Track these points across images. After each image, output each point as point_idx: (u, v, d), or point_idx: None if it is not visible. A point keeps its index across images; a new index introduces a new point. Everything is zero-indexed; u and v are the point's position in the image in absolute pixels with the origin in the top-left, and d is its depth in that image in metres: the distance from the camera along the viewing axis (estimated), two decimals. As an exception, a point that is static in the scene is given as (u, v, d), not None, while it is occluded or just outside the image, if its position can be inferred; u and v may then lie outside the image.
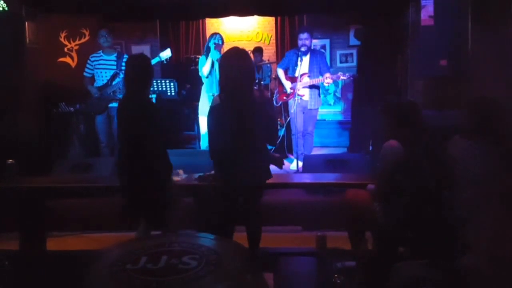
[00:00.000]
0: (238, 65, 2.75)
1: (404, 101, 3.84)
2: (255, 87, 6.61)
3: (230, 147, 2.72)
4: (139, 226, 3.15)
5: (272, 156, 3.03)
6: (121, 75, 5.04)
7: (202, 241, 2.21)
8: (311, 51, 5.33)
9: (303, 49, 5.18)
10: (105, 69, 5.09)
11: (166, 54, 4.96)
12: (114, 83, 5.04)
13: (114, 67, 5.08)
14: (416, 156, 2.52)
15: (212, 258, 2.01)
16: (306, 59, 5.28)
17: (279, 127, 7.21)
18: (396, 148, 2.58)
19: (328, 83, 5.27)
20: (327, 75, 5.16)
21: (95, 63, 5.12)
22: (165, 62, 4.98)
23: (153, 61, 5.03)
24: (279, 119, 7.41)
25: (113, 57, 5.12)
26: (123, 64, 5.04)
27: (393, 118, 2.72)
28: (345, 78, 5.34)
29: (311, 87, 5.29)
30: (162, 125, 3.08)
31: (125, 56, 5.17)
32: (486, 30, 4.15)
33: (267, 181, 2.98)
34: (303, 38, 5.20)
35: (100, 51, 5.14)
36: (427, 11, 4.09)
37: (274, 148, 6.12)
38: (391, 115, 2.71)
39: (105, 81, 5.07)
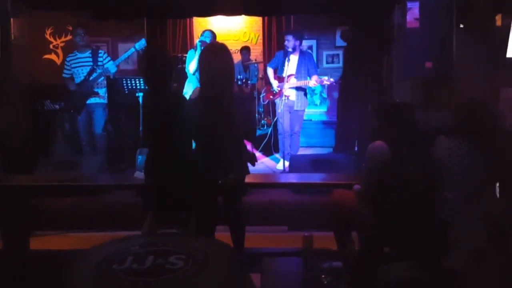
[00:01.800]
0: (217, 60, 2.73)
1: (393, 102, 3.88)
2: (238, 84, 6.63)
3: (208, 141, 2.70)
4: (145, 221, 3.06)
5: (246, 153, 3.01)
6: (98, 70, 5.02)
7: (189, 241, 2.20)
8: (300, 52, 5.36)
9: (289, 49, 5.21)
10: (81, 66, 5.06)
11: (141, 44, 4.97)
12: (91, 78, 5.01)
13: (90, 63, 5.06)
14: (402, 156, 2.53)
15: (199, 258, 2.00)
16: (294, 60, 5.30)
17: (264, 127, 7.26)
18: (382, 148, 2.60)
19: (313, 85, 5.32)
20: (314, 77, 5.19)
21: (71, 62, 5.10)
22: (140, 52, 4.97)
23: (128, 53, 5.05)
24: (265, 119, 7.44)
25: (88, 53, 5.08)
26: (99, 59, 5.05)
27: (381, 118, 2.74)
28: (328, 83, 5.39)
29: (298, 88, 5.32)
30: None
31: (100, 51, 5.16)
32: (470, 32, 4.22)
33: (254, 181, 2.97)
34: (288, 39, 5.26)
35: (75, 51, 5.13)
36: (412, 14, 4.12)
37: (262, 145, 6.18)
38: (380, 115, 2.73)
39: (82, 78, 5.05)
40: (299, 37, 5.41)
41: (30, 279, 2.96)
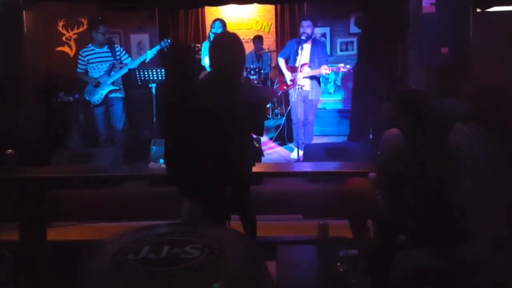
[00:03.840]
0: (227, 50, 2.69)
1: (408, 89, 3.82)
2: (248, 75, 6.59)
3: (212, 129, 2.67)
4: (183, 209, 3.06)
5: (253, 148, 2.99)
6: (118, 65, 5.00)
7: (204, 230, 2.20)
8: (312, 40, 5.28)
9: (303, 37, 5.13)
10: (100, 62, 5.01)
11: (167, 42, 4.95)
12: (112, 73, 4.99)
13: (111, 58, 5.01)
14: (417, 144, 2.50)
15: (215, 247, 2.00)
16: (307, 48, 5.23)
17: (278, 116, 7.23)
18: (397, 136, 2.56)
19: (326, 73, 5.25)
20: (324, 66, 5.14)
21: (88, 57, 5.02)
22: (165, 49, 4.95)
23: (154, 50, 5.02)
24: (279, 108, 7.41)
25: (106, 48, 5.03)
26: (117, 54, 5.01)
27: (398, 105, 2.70)
28: (345, 70, 5.33)
29: (312, 77, 5.26)
30: None
31: (117, 45, 5.12)
32: (487, 18, 4.13)
33: (268, 170, 2.95)
34: (305, 26, 5.16)
35: (90, 45, 5.04)
36: (428, -1, 4.05)
37: (276, 135, 6.16)
38: (396, 102, 2.69)
39: (102, 73, 5.00)
40: (315, 24, 5.35)
41: (47, 270, 3.01)
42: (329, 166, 3.58)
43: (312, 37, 5.30)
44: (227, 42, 2.77)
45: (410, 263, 2.15)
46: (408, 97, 2.71)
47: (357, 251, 2.60)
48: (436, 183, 2.42)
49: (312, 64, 5.21)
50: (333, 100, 7.32)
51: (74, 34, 6.36)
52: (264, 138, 6.04)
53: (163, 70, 4.82)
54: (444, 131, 2.62)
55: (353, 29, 7.15)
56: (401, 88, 4.56)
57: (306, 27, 5.15)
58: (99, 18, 5.19)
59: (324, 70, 5.12)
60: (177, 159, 2.78)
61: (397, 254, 2.21)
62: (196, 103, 2.65)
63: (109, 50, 5.02)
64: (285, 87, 5.52)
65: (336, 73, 7.14)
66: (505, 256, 2.10)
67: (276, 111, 7.46)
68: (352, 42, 7.25)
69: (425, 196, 2.43)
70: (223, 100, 2.63)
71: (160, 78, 4.80)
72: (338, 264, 2.41)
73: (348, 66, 5.33)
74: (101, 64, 5.01)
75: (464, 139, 2.50)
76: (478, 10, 4.37)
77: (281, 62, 5.46)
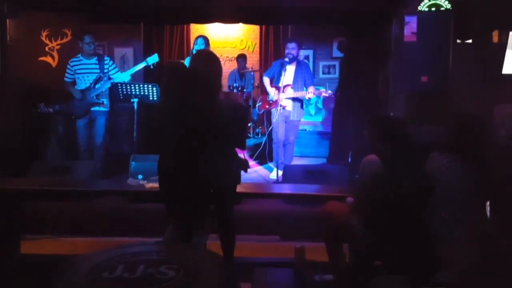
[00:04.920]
0: (204, 69, 2.74)
1: (386, 116, 3.89)
2: (233, 91, 6.63)
3: (193, 149, 2.69)
4: (167, 229, 3.04)
5: (238, 160, 3.00)
6: (105, 78, 4.98)
7: (180, 250, 2.19)
8: (297, 62, 5.34)
9: (287, 59, 5.20)
10: (87, 73, 4.98)
11: (153, 59, 4.94)
12: (97, 86, 4.96)
13: (97, 70, 4.98)
14: (395, 171, 2.54)
15: (190, 268, 1.99)
16: (291, 69, 5.29)
17: (259, 135, 7.27)
18: (375, 163, 2.60)
19: (309, 97, 5.32)
20: (311, 89, 5.20)
21: (75, 67, 4.99)
22: (151, 67, 4.95)
23: (139, 66, 5.02)
24: (260, 127, 7.45)
25: (94, 60, 5.00)
26: (105, 67, 4.99)
27: (374, 132, 2.75)
28: (326, 95, 5.38)
29: (295, 99, 5.32)
30: None
31: (106, 58, 5.09)
32: (467, 47, 4.25)
33: (247, 191, 2.96)
34: (290, 47, 5.22)
35: (79, 55, 5.02)
36: (410, 28, 4.16)
37: (257, 154, 6.18)
38: (374, 129, 2.74)
39: (87, 85, 4.97)
40: (301, 46, 5.42)
41: (20, 284, 2.94)
42: (308, 189, 3.61)
43: (297, 59, 5.37)
44: (202, 59, 2.82)
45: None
46: (385, 124, 2.76)
47: (332, 276, 2.61)
48: (412, 210, 2.46)
49: (295, 85, 5.26)
50: (313, 122, 7.39)
51: (57, 44, 6.32)
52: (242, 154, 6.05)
53: (145, 86, 4.80)
54: (421, 159, 2.67)
55: (336, 53, 7.28)
56: (379, 115, 4.64)
57: (291, 49, 5.21)
58: (84, 28, 5.18)
59: (308, 94, 5.19)
60: (167, 178, 2.78)
61: (372, 281, 2.23)
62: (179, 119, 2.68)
63: (97, 62, 4.99)
64: (267, 106, 5.56)
65: (318, 96, 7.22)
66: (477, 284, 2.14)
67: (257, 130, 7.50)
68: (334, 66, 7.37)
69: (401, 223, 2.46)
70: (201, 117, 2.65)
71: (142, 93, 4.78)
72: (313, 288, 2.41)
73: (329, 91, 5.41)
74: (87, 76, 4.97)
75: (440, 168, 2.56)
76: (458, 41, 4.51)
77: (266, 81, 5.51)
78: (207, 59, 2.81)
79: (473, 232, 2.29)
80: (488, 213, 2.47)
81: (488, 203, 2.50)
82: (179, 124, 2.68)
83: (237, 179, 2.93)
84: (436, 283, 2.18)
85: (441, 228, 2.37)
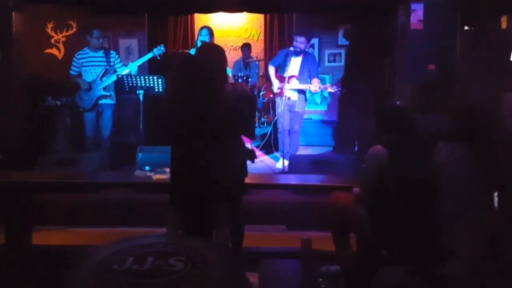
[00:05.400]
0: (209, 61, 2.73)
1: (393, 106, 3.87)
2: (238, 81, 6.62)
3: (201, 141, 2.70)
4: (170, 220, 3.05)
5: (245, 150, 3.01)
6: (111, 71, 5.01)
7: (188, 242, 2.21)
8: (304, 53, 5.32)
9: (295, 49, 5.18)
10: (93, 66, 5.02)
11: (160, 50, 4.96)
12: (104, 79, 4.99)
13: (104, 63, 5.02)
14: (400, 162, 2.54)
15: (198, 260, 2.01)
16: (298, 61, 5.28)
17: (265, 125, 7.27)
18: (381, 153, 2.61)
19: (315, 91, 5.31)
20: (315, 81, 5.19)
21: (82, 60, 5.03)
22: (158, 58, 4.96)
23: (146, 57, 5.04)
24: (265, 117, 7.45)
25: (101, 53, 5.05)
26: (111, 60, 5.02)
27: (380, 123, 2.75)
28: (332, 90, 5.36)
29: (299, 90, 5.32)
30: None
31: (112, 52, 5.13)
32: (474, 35, 4.21)
33: (253, 182, 2.97)
34: (299, 41, 5.19)
35: (86, 48, 5.06)
36: (416, 15, 4.13)
37: (263, 143, 6.19)
38: (379, 120, 2.74)
39: (94, 77, 5.01)
40: (309, 40, 5.40)
41: (32, 274, 2.99)
42: (314, 179, 3.62)
43: (304, 50, 5.35)
44: (208, 51, 2.83)
45: (390, 281, 2.18)
46: (391, 115, 2.75)
47: (339, 267, 2.63)
48: (418, 201, 2.46)
49: (301, 77, 5.26)
50: (319, 110, 7.38)
51: (62, 36, 6.33)
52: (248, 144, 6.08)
53: (150, 77, 4.82)
54: (428, 149, 2.67)
55: (342, 40, 7.22)
56: (385, 105, 4.62)
57: (300, 43, 5.19)
58: (93, 23, 5.20)
59: (314, 87, 5.18)
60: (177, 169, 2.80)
61: (377, 272, 2.24)
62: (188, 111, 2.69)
63: (104, 55, 5.04)
64: (271, 95, 5.56)
65: (323, 83, 7.18)
66: (483, 276, 2.15)
67: (262, 119, 7.50)
68: (340, 54, 7.31)
69: (407, 213, 2.47)
70: (210, 108, 2.66)
71: (147, 85, 4.80)
72: (321, 280, 2.43)
73: (335, 87, 5.38)
74: (94, 69, 5.02)
75: (446, 158, 2.55)
76: (466, 28, 4.46)
77: (271, 70, 5.50)
78: (213, 51, 2.82)
79: (480, 223, 2.29)
80: (496, 204, 2.47)
81: (496, 194, 2.50)
82: (187, 115, 2.69)
83: (245, 171, 2.95)
84: (443, 273, 2.19)
85: (447, 219, 2.38)
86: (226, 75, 2.94)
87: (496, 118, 2.88)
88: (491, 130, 2.58)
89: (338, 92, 5.54)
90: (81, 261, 2.04)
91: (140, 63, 5.10)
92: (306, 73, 5.27)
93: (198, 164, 2.69)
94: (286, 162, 5.03)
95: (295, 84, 5.25)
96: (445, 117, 2.93)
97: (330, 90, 5.32)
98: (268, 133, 6.16)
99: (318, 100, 7.39)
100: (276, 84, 5.39)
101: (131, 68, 5.00)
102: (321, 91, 7.21)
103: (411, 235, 2.43)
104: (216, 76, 2.73)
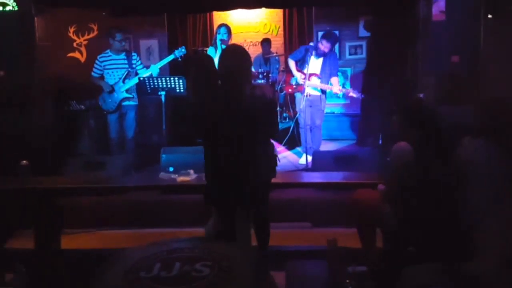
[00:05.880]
0: (235, 63, 2.75)
1: (416, 101, 3.81)
2: (259, 82, 6.60)
3: (230, 141, 2.73)
4: (209, 220, 3.10)
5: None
6: (132, 74, 5.06)
7: (213, 246, 2.23)
8: (325, 54, 5.26)
9: (317, 50, 5.16)
10: (115, 68, 5.08)
11: (181, 51, 5.01)
12: (127, 81, 5.05)
13: (126, 65, 5.08)
14: (426, 158, 2.51)
15: (224, 264, 2.03)
16: (319, 61, 5.25)
17: (286, 120, 7.25)
18: (406, 150, 2.58)
19: (336, 92, 5.27)
20: (334, 80, 5.19)
21: (104, 63, 5.08)
22: (179, 59, 4.98)
23: (168, 59, 5.08)
24: (287, 112, 7.42)
25: (123, 55, 5.10)
26: (133, 62, 5.07)
27: (404, 118, 2.71)
28: (354, 95, 5.28)
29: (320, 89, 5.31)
30: None
31: (134, 54, 5.18)
32: (498, 26, 4.09)
33: (277, 180, 2.98)
34: (324, 45, 5.15)
35: (108, 50, 5.11)
36: (438, 6, 4.05)
37: (286, 139, 6.19)
38: (403, 116, 2.70)
39: (116, 80, 5.07)
40: (335, 44, 5.34)
41: (62, 279, 3.06)
42: (338, 176, 3.60)
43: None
44: (232, 54, 2.84)
45: (417, 280, 2.16)
46: (415, 111, 2.72)
47: (365, 267, 2.62)
48: (444, 198, 2.43)
49: (322, 75, 5.23)
50: (341, 104, 7.31)
51: (84, 40, 6.42)
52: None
53: (172, 78, 4.86)
54: (453, 144, 2.62)
55: (362, 32, 7.12)
56: (408, 99, 4.54)
57: (325, 47, 5.14)
58: (114, 25, 5.25)
59: (335, 89, 5.17)
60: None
61: (403, 271, 2.23)
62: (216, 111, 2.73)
63: (125, 58, 5.09)
64: (290, 90, 5.54)
65: (345, 77, 7.12)
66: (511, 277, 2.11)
67: (284, 114, 7.47)
68: (361, 46, 7.21)
69: (433, 210, 2.44)
70: (234, 110, 2.69)
71: (169, 86, 4.84)
72: (348, 281, 2.43)
73: (356, 91, 5.30)
74: (117, 71, 5.07)
75: (474, 153, 2.50)
76: (489, 16, 4.33)
77: (292, 64, 5.45)
78: (237, 54, 2.82)
79: (508, 219, 2.24)
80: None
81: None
82: (217, 119, 2.72)
83: (274, 172, 2.96)
84: (469, 271, 2.16)
85: (474, 215, 2.33)
86: (250, 78, 2.94)
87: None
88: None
89: (361, 97, 5.45)
90: (109, 267, 2.08)
91: (162, 65, 5.13)
92: (327, 72, 5.25)
93: (228, 167, 2.72)
94: (310, 158, 5.01)
95: (315, 82, 5.22)
96: (470, 108, 2.87)
97: (352, 94, 5.24)
98: (291, 129, 6.14)
99: (340, 93, 7.32)
100: (298, 76, 5.35)
101: (152, 71, 5.04)
102: (343, 84, 7.17)
103: (439, 232, 2.41)
104: (240, 81, 2.75)
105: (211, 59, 3.36)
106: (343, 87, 5.61)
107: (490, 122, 2.53)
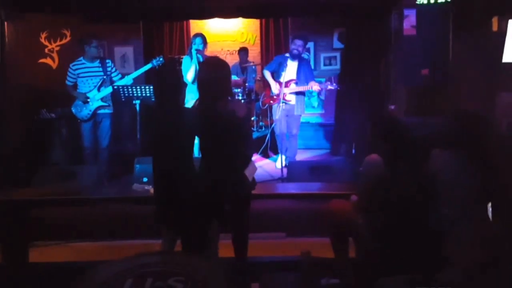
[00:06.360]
0: (214, 76, 2.77)
1: (387, 115, 3.87)
2: (236, 95, 6.61)
3: (213, 153, 2.76)
4: (164, 235, 3.10)
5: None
6: (107, 81, 4.99)
7: (186, 260, 2.21)
8: (299, 58, 5.38)
9: (293, 52, 5.24)
10: (90, 76, 4.97)
11: (159, 61, 5.00)
12: (102, 89, 4.97)
13: (101, 73, 4.98)
14: (397, 171, 2.54)
15: (198, 279, 2.02)
16: (294, 65, 5.35)
17: (263, 129, 7.27)
18: (377, 162, 2.61)
19: (316, 89, 5.34)
20: (312, 83, 5.25)
21: (78, 71, 4.96)
22: (157, 68, 4.94)
23: (145, 68, 5.03)
24: (263, 121, 7.44)
25: (97, 63, 5.00)
26: (108, 69, 4.98)
27: (376, 132, 2.75)
28: (332, 87, 5.39)
29: (298, 93, 5.37)
30: None
31: (108, 61, 5.08)
32: (467, 40, 4.21)
33: (254, 192, 3.00)
34: (297, 44, 5.27)
35: (81, 58, 4.99)
36: (409, 21, 4.14)
37: (262, 148, 6.19)
38: (375, 129, 2.74)
39: (91, 88, 4.97)
40: (306, 44, 5.44)
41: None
42: (313, 187, 3.62)
43: (300, 55, 5.39)
44: (212, 67, 2.85)
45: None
46: (386, 125, 2.75)
47: (338, 280, 2.64)
48: (415, 210, 2.47)
49: (298, 80, 5.32)
50: (316, 114, 7.38)
51: (56, 46, 6.29)
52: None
53: (147, 87, 4.81)
54: (424, 157, 2.67)
55: (337, 44, 7.22)
56: (380, 113, 4.62)
57: (298, 46, 5.26)
58: (88, 31, 5.17)
59: (314, 86, 5.24)
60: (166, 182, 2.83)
61: (377, 283, 2.25)
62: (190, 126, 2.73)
63: (100, 65, 4.98)
64: (271, 101, 5.56)
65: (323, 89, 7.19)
66: (482, 283, 2.15)
67: (260, 123, 7.50)
68: (335, 57, 7.30)
69: (404, 222, 2.47)
70: (217, 126, 2.70)
71: (144, 94, 4.80)
72: (320, 292, 2.44)
73: (334, 84, 5.41)
74: (91, 79, 4.96)
75: (443, 165, 2.55)
76: (458, 31, 4.45)
77: (267, 74, 5.51)
78: (217, 66, 2.83)
79: (477, 231, 2.29)
80: (490, 214, 2.47)
81: (489, 204, 2.50)
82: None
83: (254, 183, 3.00)
84: (441, 282, 2.19)
85: (444, 227, 2.38)
86: (230, 91, 2.96)
87: (491, 125, 2.88)
88: (486, 137, 2.57)
89: (338, 89, 5.55)
90: (80, 284, 2.04)
91: (139, 74, 5.07)
92: (303, 77, 5.34)
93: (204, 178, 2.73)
94: (285, 159, 5.06)
95: (293, 87, 5.30)
96: (440, 121, 2.93)
97: (330, 87, 5.34)
98: (267, 138, 6.15)
99: (315, 103, 7.39)
100: (274, 86, 5.40)
101: (128, 81, 4.98)
102: (317, 94, 7.25)
103: (409, 243, 2.45)
104: (220, 95, 2.76)
105: (176, 74, 3.33)
106: (318, 97, 5.68)
107: (459, 134, 2.59)
